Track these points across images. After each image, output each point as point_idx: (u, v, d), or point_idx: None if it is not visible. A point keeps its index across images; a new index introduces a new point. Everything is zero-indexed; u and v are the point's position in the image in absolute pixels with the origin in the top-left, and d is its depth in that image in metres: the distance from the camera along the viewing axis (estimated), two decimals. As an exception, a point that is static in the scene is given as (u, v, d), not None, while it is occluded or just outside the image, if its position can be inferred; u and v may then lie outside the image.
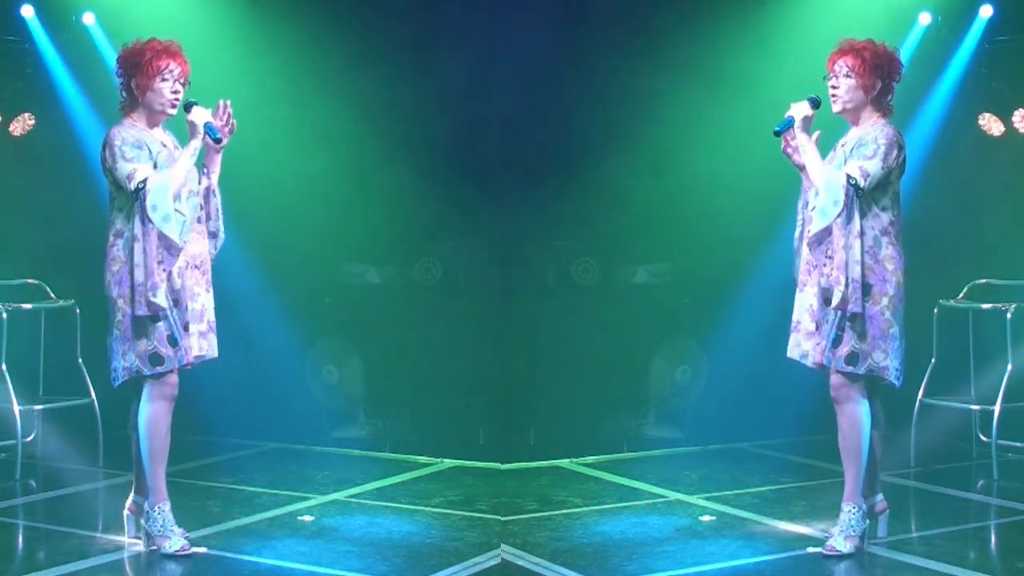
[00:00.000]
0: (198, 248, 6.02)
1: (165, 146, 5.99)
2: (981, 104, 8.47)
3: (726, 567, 5.88)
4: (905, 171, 5.91)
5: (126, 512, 6.13)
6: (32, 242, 8.48)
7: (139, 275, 5.81)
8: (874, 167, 5.81)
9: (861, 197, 5.79)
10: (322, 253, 8.47)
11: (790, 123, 5.93)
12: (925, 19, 8.34)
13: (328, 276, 8.60)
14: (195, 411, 8.06)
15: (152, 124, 6.01)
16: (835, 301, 5.83)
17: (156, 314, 5.86)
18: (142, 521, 6.03)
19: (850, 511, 5.99)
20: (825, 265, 5.87)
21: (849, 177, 5.79)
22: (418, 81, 8.24)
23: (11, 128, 8.53)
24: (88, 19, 8.35)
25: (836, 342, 5.89)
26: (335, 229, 8.36)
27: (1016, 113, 8.40)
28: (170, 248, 5.84)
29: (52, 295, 8.18)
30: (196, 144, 5.95)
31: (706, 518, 6.74)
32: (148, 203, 5.78)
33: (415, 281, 8.49)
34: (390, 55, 8.25)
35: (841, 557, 5.91)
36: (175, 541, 5.96)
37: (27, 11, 8.33)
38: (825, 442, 8.37)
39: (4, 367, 7.75)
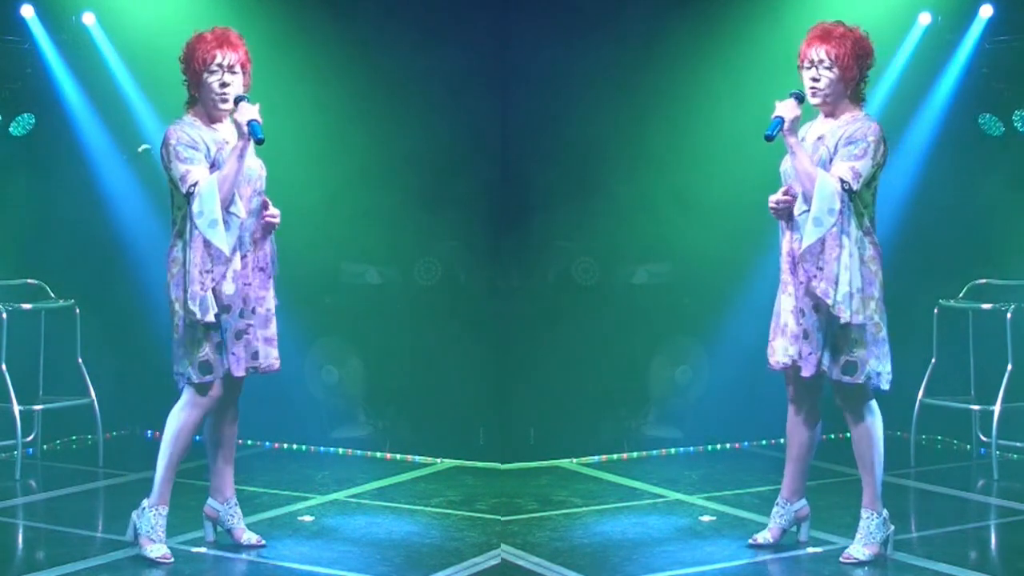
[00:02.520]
0: (261, 248, 5.90)
1: (228, 143, 5.79)
2: (981, 104, 8.46)
3: (726, 567, 5.88)
4: (885, 165, 5.72)
5: (204, 516, 6.13)
6: (32, 242, 8.47)
7: (188, 281, 5.66)
8: (865, 167, 5.60)
9: (852, 200, 5.57)
10: (322, 253, 8.45)
11: (779, 124, 5.65)
12: (925, 19, 8.33)
13: (328, 276, 8.59)
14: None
15: (213, 120, 5.81)
16: (842, 317, 5.58)
17: (207, 322, 5.67)
18: (133, 516, 5.88)
19: (868, 518, 5.85)
20: (815, 277, 5.60)
21: (843, 182, 5.56)
22: (421, 83, 8.23)
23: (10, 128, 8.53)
24: (88, 19, 8.34)
25: (835, 352, 5.69)
26: (335, 229, 8.35)
27: (1016, 113, 8.39)
28: (217, 256, 5.65)
29: (52, 295, 8.18)
30: (241, 144, 5.70)
31: (706, 518, 6.74)
32: (194, 208, 5.61)
33: (415, 281, 8.48)
34: (392, 57, 8.23)
35: (847, 559, 5.85)
36: (157, 547, 5.81)
37: (27, 11, 8.31)
38: (825, 442, 8.38)
39: (4, 367, 7.75)
